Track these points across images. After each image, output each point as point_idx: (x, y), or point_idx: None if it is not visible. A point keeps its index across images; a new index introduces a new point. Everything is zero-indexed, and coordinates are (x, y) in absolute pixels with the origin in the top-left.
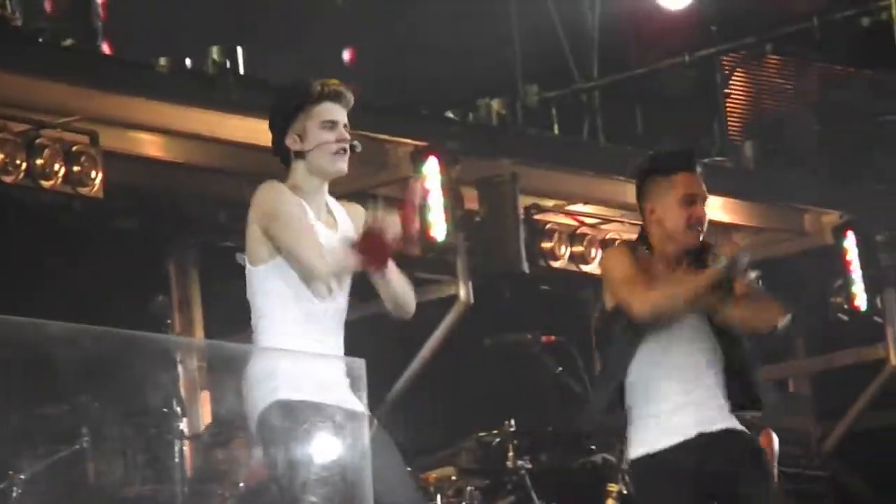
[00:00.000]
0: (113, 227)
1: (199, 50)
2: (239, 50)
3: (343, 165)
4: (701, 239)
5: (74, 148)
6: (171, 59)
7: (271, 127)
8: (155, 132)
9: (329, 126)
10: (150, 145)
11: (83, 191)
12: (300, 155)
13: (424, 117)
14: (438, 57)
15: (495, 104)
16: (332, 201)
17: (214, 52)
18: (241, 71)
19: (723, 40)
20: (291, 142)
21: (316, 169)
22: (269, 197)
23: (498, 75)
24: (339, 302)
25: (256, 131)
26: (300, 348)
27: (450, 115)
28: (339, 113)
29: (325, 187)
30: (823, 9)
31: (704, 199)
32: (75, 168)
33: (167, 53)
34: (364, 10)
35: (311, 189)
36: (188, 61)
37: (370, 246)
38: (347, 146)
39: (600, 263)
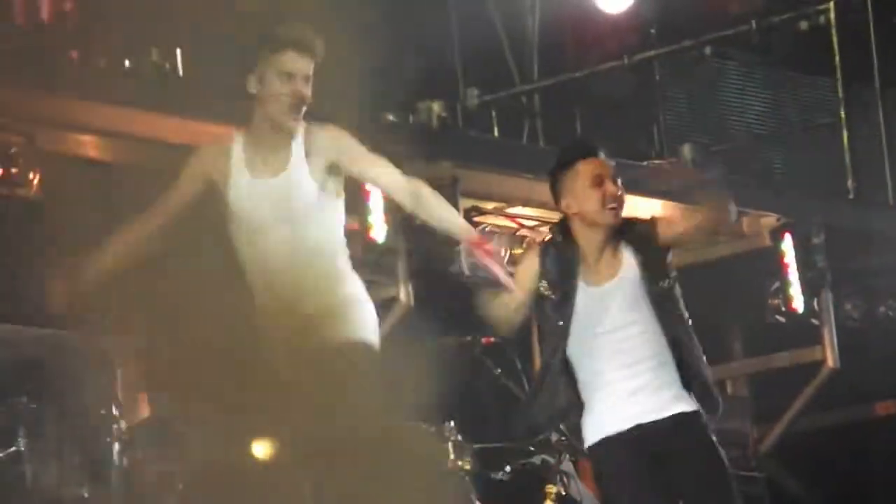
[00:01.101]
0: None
1: (138, 51)
2: (178, 52)
3: (294, 123)
4: (620, 217)
5: (11, 149)
6: (109, 60)
7: (238, 65)
8: (93, 133)
9: (287, 77)
10: (88, 146)
11: (20, 192)
12: (259, 101)
13: (365, 120)
14: (379, 59)
15: (436, 107)
16: (296, 144)
17: (154, 54)
18: (181, 73)
19: (662, 43)
20: (251, 84)
21: (269, 118)
22: None
23: (438, 78)
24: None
25: (195, 133)
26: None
27: (390, 117)
28: (301, 64)
29: (286, 136)
30: (762, 12)
31: (615, 177)
32: (13, 169)
33: (106, 54)
34: (305, 14)
35: (265, 136)
36: (127, 62)
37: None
38: (302, 101)
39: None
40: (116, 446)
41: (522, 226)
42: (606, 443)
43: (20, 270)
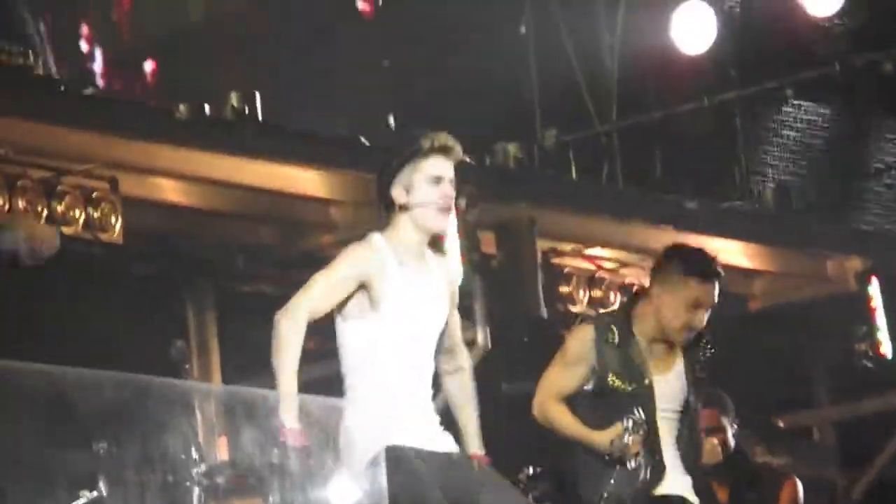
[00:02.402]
0: (132, 272)
1: (218, 96)
2: (257, 95)
3: (445, 224)
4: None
5: (94, 194)
6: (190, 106)
7: (379, 176)
8: (174, 178)
9: (436, 182)
10: (170, 191)
11: (103, 236)
12: (404, 208)
13: None
14: (456, 100)
15: (512, 148)
16: (429, 255)
17: (233, 98)
18: (260, 117)
19: (743, 84)
20: (398, 194)
21: (420, 224)
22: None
23: (515, 118)
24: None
25: (274, 176)
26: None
27: (467, 158)
28: (446, 168)
29: (426, 242)
30: (845, 53)
31: (710, 307)
32: (95, 214)
33: (187, 100)
34: (382, 56)
35: (412, 243)
36: (207, 107)
37: None
38: (452, 203)
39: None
40: (196, 491)
41: (601, 267)
42: None
43: (104, 317)
